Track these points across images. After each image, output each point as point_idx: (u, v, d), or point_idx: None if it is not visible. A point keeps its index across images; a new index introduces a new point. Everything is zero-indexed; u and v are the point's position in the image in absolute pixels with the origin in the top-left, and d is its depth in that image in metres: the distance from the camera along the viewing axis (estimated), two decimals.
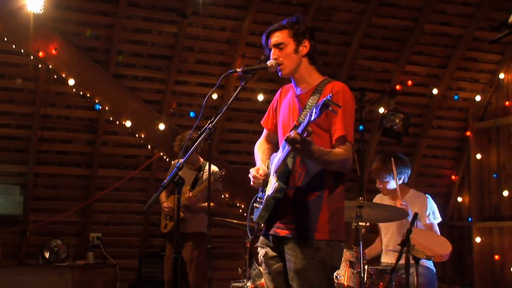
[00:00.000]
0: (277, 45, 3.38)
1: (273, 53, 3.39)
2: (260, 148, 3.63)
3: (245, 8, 7.13)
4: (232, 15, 7.20)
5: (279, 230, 3.33)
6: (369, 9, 7.36)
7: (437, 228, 5.35)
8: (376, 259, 5.58)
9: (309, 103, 3.26)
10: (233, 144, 7.93)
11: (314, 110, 2.93)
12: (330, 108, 2.90)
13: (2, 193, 7.09)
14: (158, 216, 6.54)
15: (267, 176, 3.37)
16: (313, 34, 3.44)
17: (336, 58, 7.66)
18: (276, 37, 3.39)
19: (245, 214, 7.58)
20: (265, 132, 3.67)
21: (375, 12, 7.43)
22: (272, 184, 3.28)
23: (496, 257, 7.85)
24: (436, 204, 5.40)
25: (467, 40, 7.79)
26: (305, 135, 2.99)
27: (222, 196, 7.27)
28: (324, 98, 2.92)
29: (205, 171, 6.20)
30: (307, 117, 2.98)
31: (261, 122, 3.68)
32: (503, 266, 7.76)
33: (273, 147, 3.61)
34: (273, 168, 3.34)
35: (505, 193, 7.81)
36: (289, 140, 3.01)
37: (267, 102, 7.53)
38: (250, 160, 3.47)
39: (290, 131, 3.12)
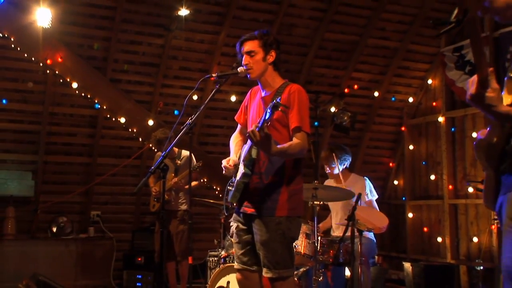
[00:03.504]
0: (249, 53, 3.36)
1: (245, 59, 3.37)
2: (234, 140, 3.61)
3: (220, 24, 7.10)
4: (210, 29, 7.16)
5: (247, 208, 3.34)
6: (323, 26, 7.38)
7: (375, 204, 5.41)
8: (328, 232, 5.63)
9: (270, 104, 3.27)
10: (211, 137, 7.89)
11: (268, 110, 2.93)
12: (279, 109, 2.92)
13: (16, 178, 7.02)
14: (148, 197, 6.51)
15: (237, 164, 3.36)
16: (279, 46, 3.44)
17: (296, 66, 7.67)
18: (248, 46, 3.37)
19: (220, 196, 7.56)
20: (239, 126, 3.65)
21: (328, 28, 7.45)
22: (240, 170, 3.28)
23: (425, 229, 7.95)
24: (373, 184, 5.46)
25: (402, 52, 7.86)
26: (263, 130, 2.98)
27: (202, 180, 7.27)
28: (274, 101, 2.93)
29: (181, 158, 6.22)
30: (263, 116, 2.98)
31: (235, 117, 3.64)
32: (431, 236, 7.87)
33: (246, 139, 3.58)
34: (242, 157, 3.34)
35: (432, 177, 7.92)
36: (249, 135, 3.01)
37: (239, 102, 7.54)
38: (225, 150, 3.45)
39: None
